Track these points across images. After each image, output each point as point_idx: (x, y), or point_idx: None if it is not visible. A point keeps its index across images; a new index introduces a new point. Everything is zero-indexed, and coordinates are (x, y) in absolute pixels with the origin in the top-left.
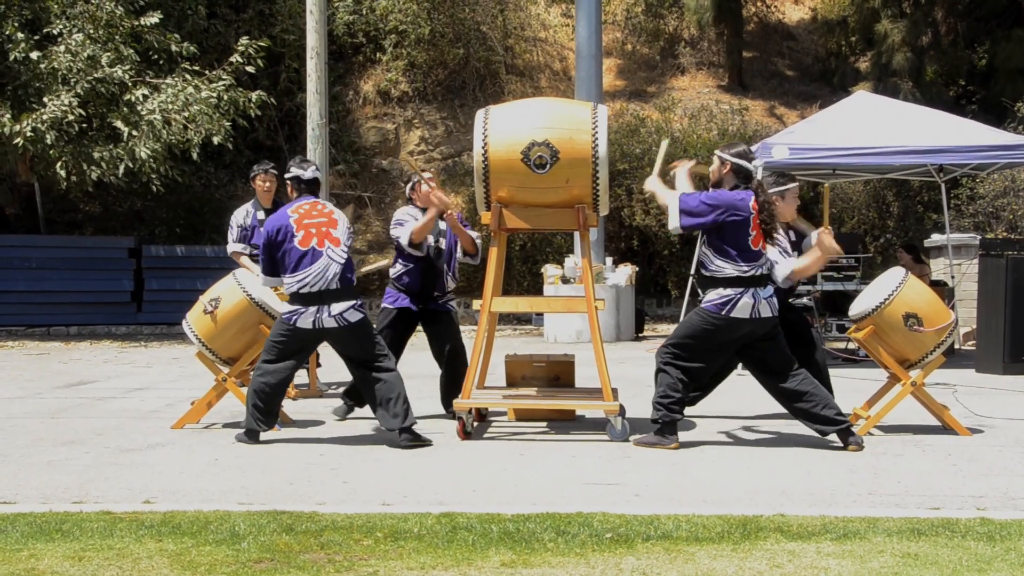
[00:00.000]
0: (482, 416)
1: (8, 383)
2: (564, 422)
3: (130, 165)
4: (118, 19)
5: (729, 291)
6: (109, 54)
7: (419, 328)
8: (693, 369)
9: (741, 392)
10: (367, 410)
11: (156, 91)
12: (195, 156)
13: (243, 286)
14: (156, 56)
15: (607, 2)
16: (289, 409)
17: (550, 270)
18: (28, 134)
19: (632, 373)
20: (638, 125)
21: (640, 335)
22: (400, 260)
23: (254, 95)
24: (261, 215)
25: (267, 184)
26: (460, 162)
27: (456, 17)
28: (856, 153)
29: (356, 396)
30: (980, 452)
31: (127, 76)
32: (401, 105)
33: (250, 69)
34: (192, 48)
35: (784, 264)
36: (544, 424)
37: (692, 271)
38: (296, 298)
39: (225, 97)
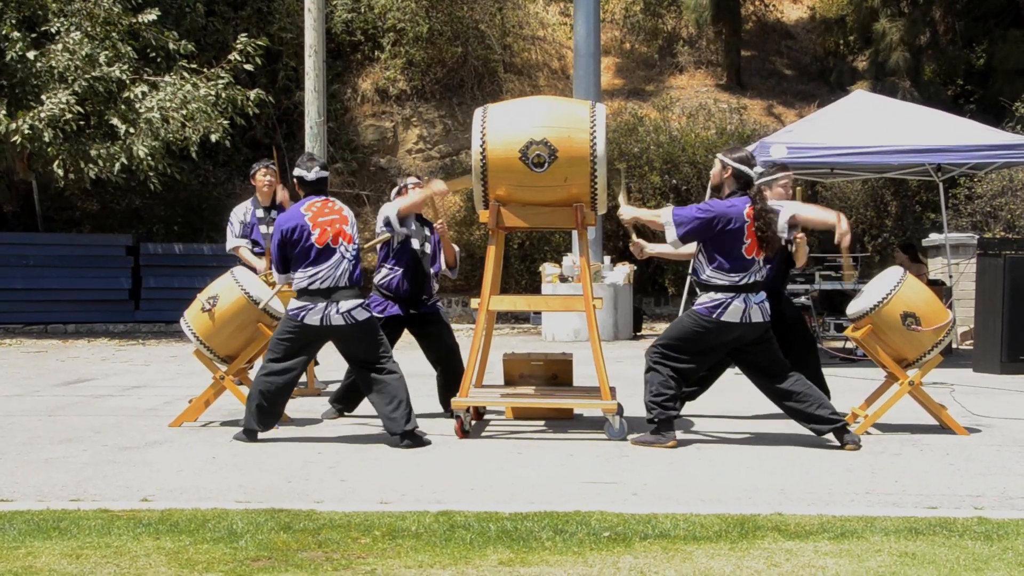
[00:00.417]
0: (480, 415)
1: (6, 381)
2: (562, 421)
3: (126, 162)
4: (116, 16)
5: (720, 295)
6: (107, 52)
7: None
8: (683, 369)
9: (739, 391)
10: (362, 409)
11: (154, 89)
12: (193, 154)
13: (241, 284)
14: (154, 54)
15: (605, 1)
16: (287, 408)
17: (548, 269)
18: (26, 132)
19: (630, 372)
20: (636, 124)
21: (638, 334)
22: (386, 264)
23: (252, 93)
24: (260, 212)
25: (267, 179)
26: (458, 160)
27: (454, 15)
28: (854, 152)
29: (344, 400)
30: (978, 451)
31: (124, 74)
32: (399, 103)
33: (248, 67)
34: (190, 46)
35: (786, 209)
36: (542, 423)
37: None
38: (305, 294)
39: (223, 95)
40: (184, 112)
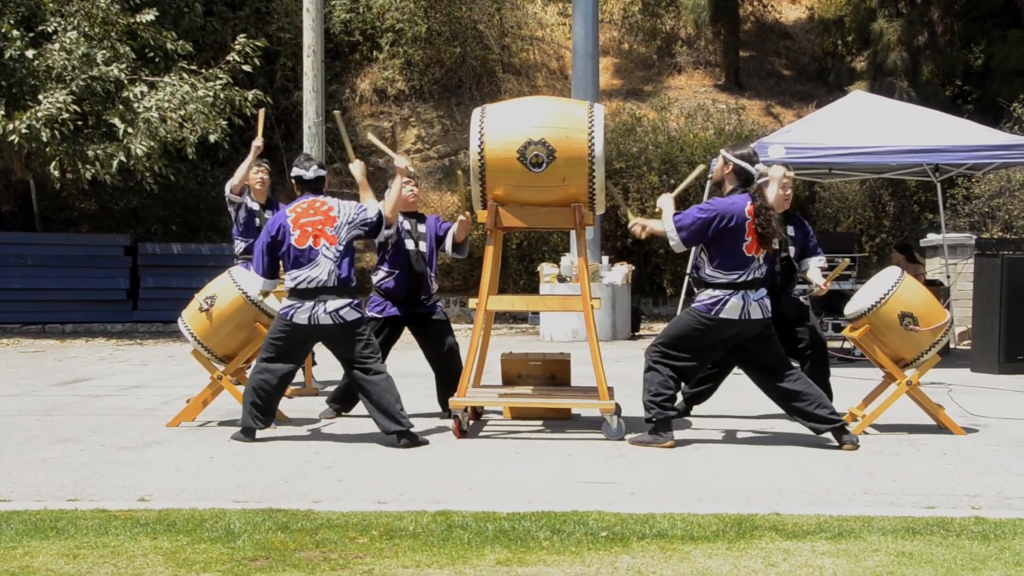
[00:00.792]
0: (478, 415)
1: (3, 381)
2: (560, 421)
3: (124, 161)
4: (114, 16)
5: (719, 292)
6: (104, 52)
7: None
8: (682, 368)
9: (737, 391)
10: (360, 409)
11: (152, 89)
12: (191, 154)
13: (239, 284)
14: (152, 54)
15: (604, 1)
16: (284, 407)
17: (546, 269)
18: (23, 132)
19: (628, 372)
20: (634, 124)
21: (636, 334)
22: (383, 266)
23: (250, 94)
24: (255, 206)
25: (261, 176)
26: (456, 161)
27: (453, 15)
28: (852, 152)
29: (342, 401)
30: (975, 451)
31: (122, 74)
32: (398, 103)
33: (247, 68)
34: (188, 46)
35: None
36: (540, 423)
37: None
38: (294, 294)
39: (222, 96)
40: (182, 112)
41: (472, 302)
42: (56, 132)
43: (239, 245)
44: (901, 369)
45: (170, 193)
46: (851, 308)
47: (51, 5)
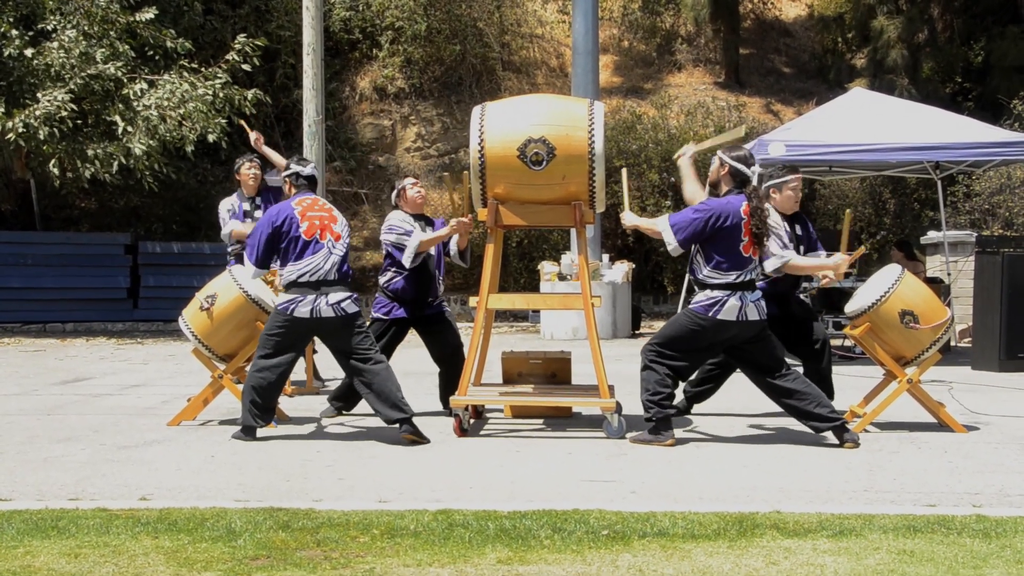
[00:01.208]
0: (479, 413)
1: (4, 380)
2: (560, 419)
3: (123, 161)
4: (113, 15)
5: (717, 293)
6: (103, 50)
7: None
8: (678, 367)
9: (737, 389)
10: (361, 407)
11: (152, 87)
12: (190, 153)
13: (239, 283)
14: (152, 52)
15: None
16: (285, 406)
17: (547, 267)
18: (20, 130)
19: (629, 370)
20: (634, 122)
21: (636, 332)
22: (393, 267)
23: (250, 93)
24: (246, 205)
25: (252, 171)
26: (456, 159)
27: (452, 13)
28: (852, 150)
29: (343, 399)
30: (976, 449)
31: (121, 72)
32: (397, 101)
33: (246, 67)
34: (188, 44)
35: (778, 256)
36: (541, 421)
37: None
38: (294, 287)
39: (221, 95)
40: (182, 111)
41: (473, 300)
42: (55, 130)
43: (228, 227)
44: (902, 367)
45: (170, 192)
46: (852, 306)
47: (51, 3)
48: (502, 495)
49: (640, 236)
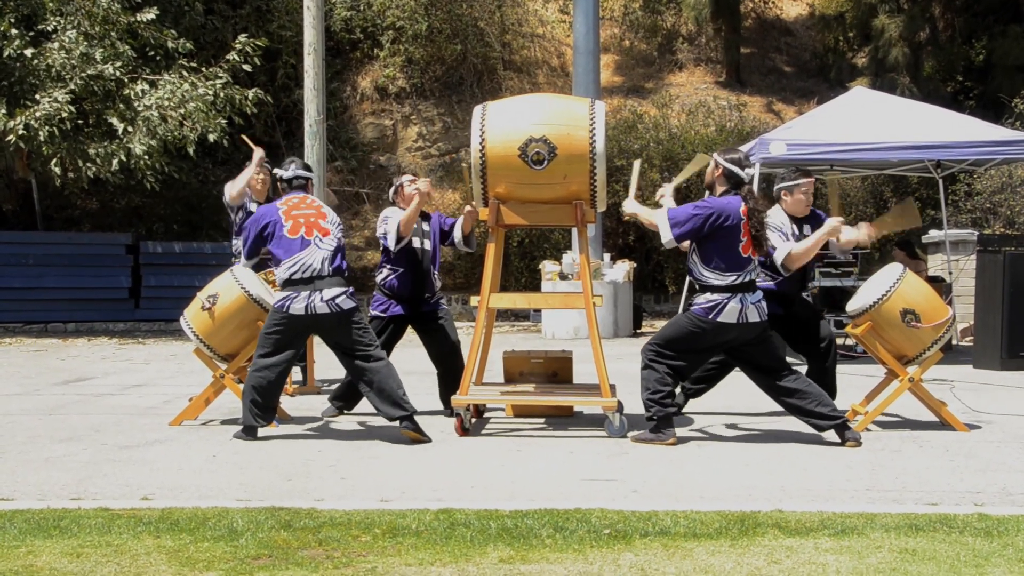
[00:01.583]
0: (480, 413)
1: (6, 380)
2: (562, 418)
3: (124, 160)
4: (114, 15)
5: (717, 296)
6: (104, 50)
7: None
8: (678, 367)
9: (738, 388)
10: (362, 407)
11: (153, 87)
12: (191, 153)
13: (241, 282)
14: (152, 52)
15: None
16: (286, 406)
17: (548, 266)
18: (20, 132)
19: (630, 369)
20: (636, 121)
21: (638, 331)
22: (388, 264)
23: (251, 93)
24: (253, 207)
25: (261, 176)
26: (458, 158)
27: (453, 13)
28: (854, 149)
29: (344, 398)
30: (977, 448)
31: (118, 72)
32: (399, 101)
33: (247, 67)
34: (188, 45)
35: (782, 248)
36: (542, 420)
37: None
38: (288, 284)
39: (222, 95)
40: (182, 111)
41: (474, 300)
42: (55, 130)
43: (237, 245)
44: (903, 365)
45: (172, 192)
46: (853, 305)
47: (51, 4)
48: (504, 494)
49: (641, 235)
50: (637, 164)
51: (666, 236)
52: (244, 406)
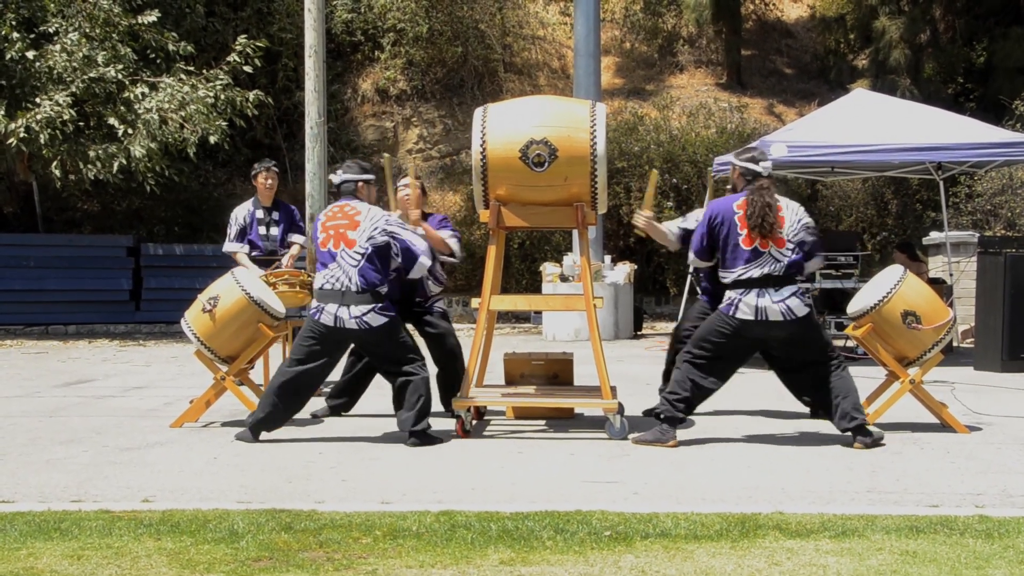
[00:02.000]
0: (481, 414)
1: (7, 382)
2: (563, 420)
3: (124, 163)
4: (115, 17)
5: (731, 293)
6: (105, 53)
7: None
8: (705, 367)
9: (739, 390)
10: (361, 407)
11: (153, 90)
12: (192, 155)
13: (242, 285)
14: (153, 55)
15: (605, 0)
16: None
17: (549, 268)
18: (21, 134)
19: (631, 371)
20: (636, 123)
21: (639, 333)
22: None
23: (251, 95)
24: (260, 213)
25: (268, 182)
26: (459, 160)
27: (454, 15)
28: (854, 151)
29: (340, 397)
30: (978, 450)
31: (119, 75)
32: (399, 103)
33: (247, 69)
34: (189, 47)
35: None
36: (543, 422)
37: (690, 269)
38: (319, 294)
39: (222, 97)
40: (183, 113)
41: (475, 302)
42: (56, 133)
43: (228, 246)
44: (904, 367)
45: (172, 194)
46: (854, 306)
47: (52, 6)
48: (504, 496)
49: (642, 237)
50: (654, 176)
51: (689, 257)
52: (261, 405)
